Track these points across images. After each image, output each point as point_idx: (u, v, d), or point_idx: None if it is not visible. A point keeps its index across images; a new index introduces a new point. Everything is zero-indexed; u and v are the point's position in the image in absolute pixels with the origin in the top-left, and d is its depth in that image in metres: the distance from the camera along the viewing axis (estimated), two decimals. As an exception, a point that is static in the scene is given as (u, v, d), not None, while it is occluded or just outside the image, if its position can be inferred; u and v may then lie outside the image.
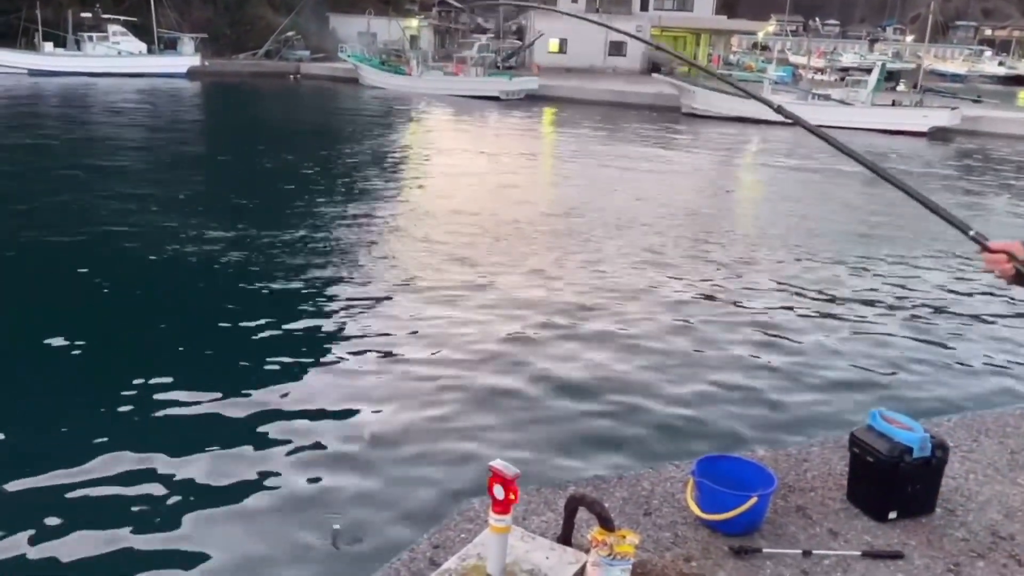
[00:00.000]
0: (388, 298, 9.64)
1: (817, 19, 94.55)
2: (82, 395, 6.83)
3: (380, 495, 5.46)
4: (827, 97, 36.24)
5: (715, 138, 29.68)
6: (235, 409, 6.61)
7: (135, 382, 6.96)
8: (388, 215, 14.31)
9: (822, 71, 56.55)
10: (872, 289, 10.91)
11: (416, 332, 8.52)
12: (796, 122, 3.17)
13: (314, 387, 7.15)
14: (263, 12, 53.50)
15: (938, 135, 32.83)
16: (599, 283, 10.53)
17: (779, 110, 3.47)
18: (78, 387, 7.02)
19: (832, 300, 10.34)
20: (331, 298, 9.59)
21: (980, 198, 19.88)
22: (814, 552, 3.73)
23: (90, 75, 41.00)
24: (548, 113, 36.36)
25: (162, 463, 5.73)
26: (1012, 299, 10.59)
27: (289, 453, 5.98)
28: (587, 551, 3.43)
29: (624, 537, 3.34)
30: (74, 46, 43.95)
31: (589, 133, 29.14)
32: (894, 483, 3.98)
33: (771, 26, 72.71)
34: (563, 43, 55.13)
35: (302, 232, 12.46)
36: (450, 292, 9.85)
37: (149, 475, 5.58)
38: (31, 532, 4.92)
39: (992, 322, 9.75)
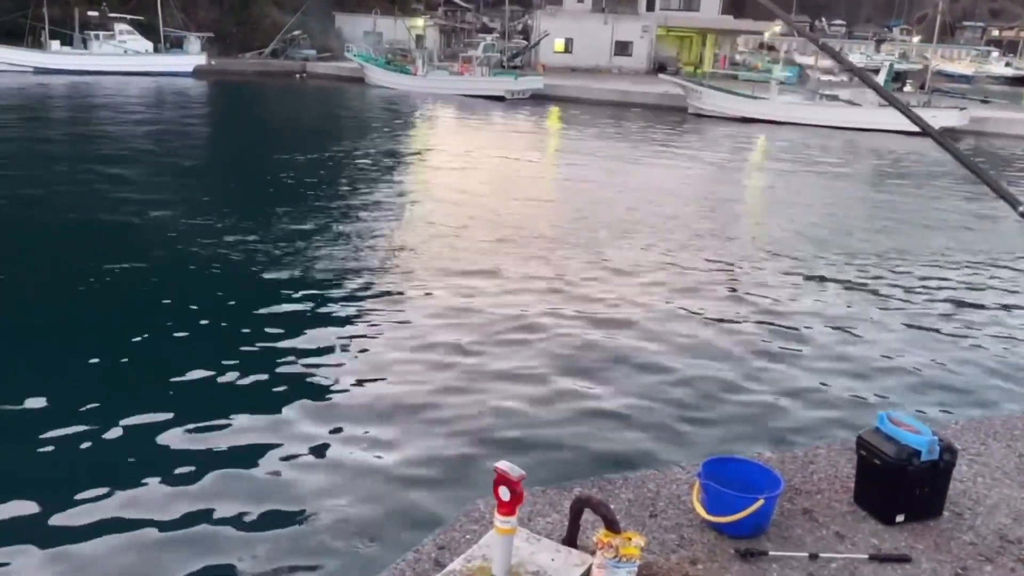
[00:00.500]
0: (393, 299, 9.63)
1: (823, 19, 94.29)
2: (97, 386, 6.83)
3: (385, 495, 5.45)
4: (835, 97, 36.13)
5: (722, 138, 29.62)
6: (238, 408, 6.61)
7: (140, 376, 6.98)
8: (394, 215, 14.30)
9: (831, 71, 56.37)
10: (880, 291, 10.87)
11: (420, 332, 8.50)
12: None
13: (318, 387, 7.14)
14: (269, 11, 53.56)
15: (946, 135, 32.75)
16: (605, 283, 10.50)
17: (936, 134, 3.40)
18: (91, 381, 7.03)
19: (840, 302, 10.30)
20: (336, 299, 9.59)
21: (988, 198, 19.81)
22: (821, 555, 3.72)
23: (96, 73, 41.09)
24: (554, 113, 36.33)
25: (163, 460, 5.73)
26: (1022, 304, 10.56)
27: (291, 454, 5.97)
28: (593, 553, 3.42)
29: (630, 539, 3.34)
30: (80, 44, 44.03)
31: (595, 133, 29.11)
32: (902, 486, 3.97)
33: (777, 26, 72.44)
34: (569, 43, 55.09)
35: (307, 230, 12.45)
36: (455, 292, 9.83)
37: (153, 471, 5.58)
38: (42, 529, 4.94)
39: (1001, 325, 9.70)
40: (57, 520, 5.05)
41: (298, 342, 8.11)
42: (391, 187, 17.21)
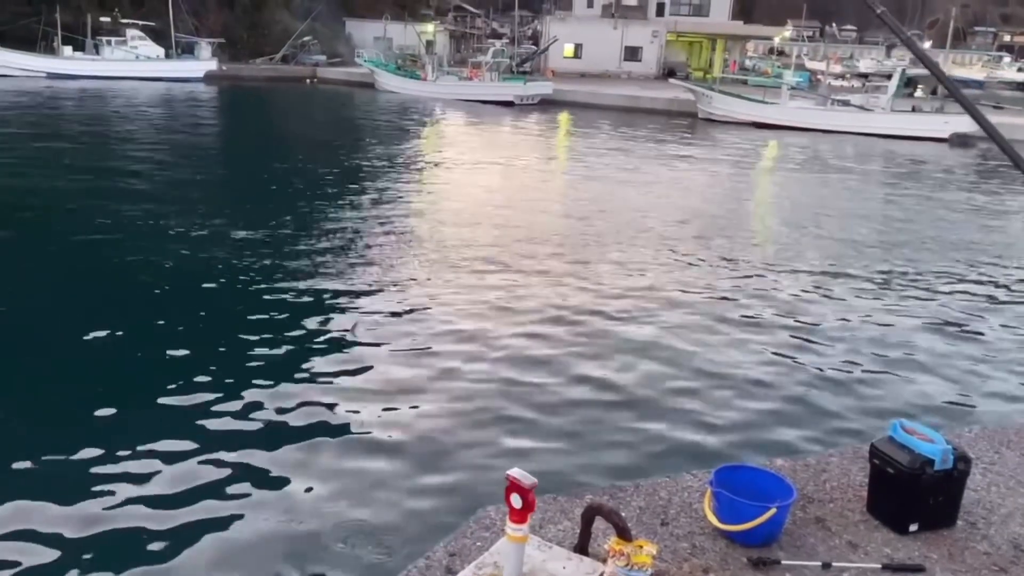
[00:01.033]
0: (406, 304, 9.63)
1: (834, 24, 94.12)
2: (111, 389, 6.86)
3: (396, 502, 5.45)
4: (846, 103, 36.05)
5: (733, 143, 29.57)
6: (250, 412, 6.63)
7: (151, 380, 7.00)
8: (405, 219, 14.32)
9: (843, 76, 56.27)
10: (893, 296, 10.82)
11: (431, 338, 8.51)
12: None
13: (329, 392, 7.15)
14: (280, 17, 53.83)
15: (958, 140, 32.66)
16: (616, 289, 10.49)
17: None
18: (107, 382, 7.06)
19: (853, 307, 10.25)
20: (345, 304, 9.60)
21: (1002, 202, 19.72)
22: (834, 564, 3.70)
23: (108, 79, 41.35)
24: (563, 118, 36.35)
25: (168, 466, 5.75)
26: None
27: (300, 458, 5.98)
28: (604, 561, 3.41)
29: (641, 547, 3.33)
30: (92, 50, 44.33)
31: (605, 138, 29.10)
32: (915, 495, 3.95)
33: (787, 31, 72.43)
34: (578, 48, 55.18)
35: (318, 234, 12.49)
36: (468, 298, 9.84)
37: (159, 476, 5.60)
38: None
39: (1017, 332, 9.64)
40: (81, 527, 5.07)
41: (306, 348, 8.13)
42: (401, 191, 17.24)
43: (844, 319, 9.77)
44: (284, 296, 9.67)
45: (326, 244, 12.09)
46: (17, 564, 4.66)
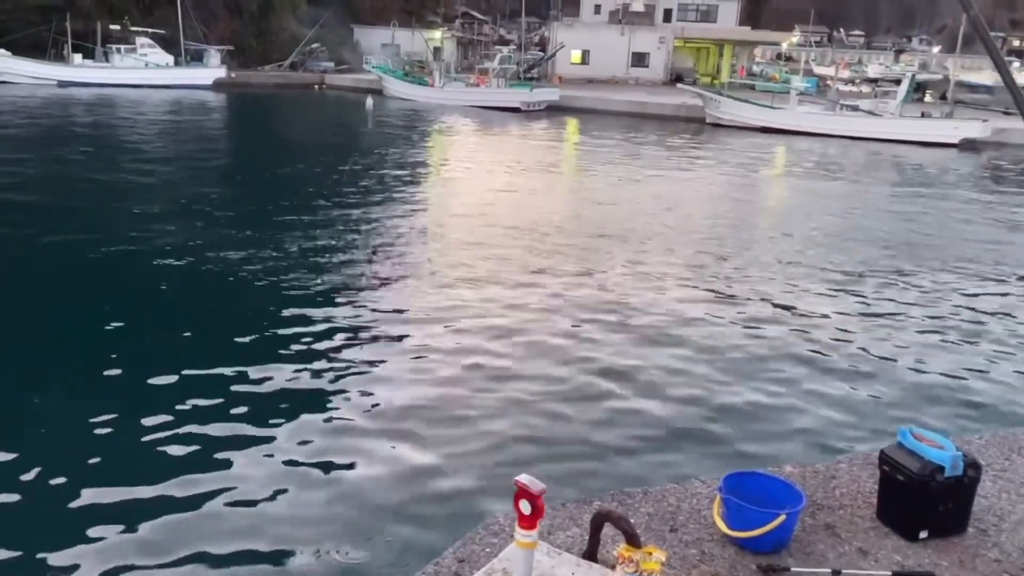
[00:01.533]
0: (414, 309, 9.66)
1: (841, 30, 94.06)
2: (118, 394, 6.90)
3: (405, 507, 5.46)
4: (855, 108, 35.99)
5: (742, 148, 29.53)
6: (260, 415, 6.65)
7: (161, 389, 7.04)
8: (411, 225, 14.33)
9: (853, 82, 56.17)
10: (903, 303, 10.78)
11: (436, 344, 8.52)
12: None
13: (336, 399, 7.17)
14: (288, 24, 54.03)
15: (967, 146, 32.59)
16: (625, 296, 10.48)
17: None
18: (112, 388, 7.10)
19: (862, 313, 10.23)
20: (355, 310, 9.62)
21: (1013, 207, 19.64)
22: (844, 571, 3.68)
23: (118, 86, 41.63)
24: (571, 124, 36.38)
25: (187, 470, 5.78)
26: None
27: (309, 466, 5.99)
28: (613, 567, 3.40)
29: (651, 554, 3.32)
30: (103, 58, 44.64)
31: (612, 144, 29.10)
32: (925, 502, 3.93)
33: (795, 37, 72.38)
34: (585, 54, 55.27)
35: (324, 241, 12.52)
36: (476, 304, 9.85)
37: (178, 482, 5.62)
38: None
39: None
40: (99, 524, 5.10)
41: (313, 353, 8.15)
42: (409, 197, 17.27)
43: (852, 325, 9.73)
44: (294, 303, 9.69)
45: (334, 248, 12.11)
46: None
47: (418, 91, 44.12)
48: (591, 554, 3.59)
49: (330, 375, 7.63)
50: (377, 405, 7.03)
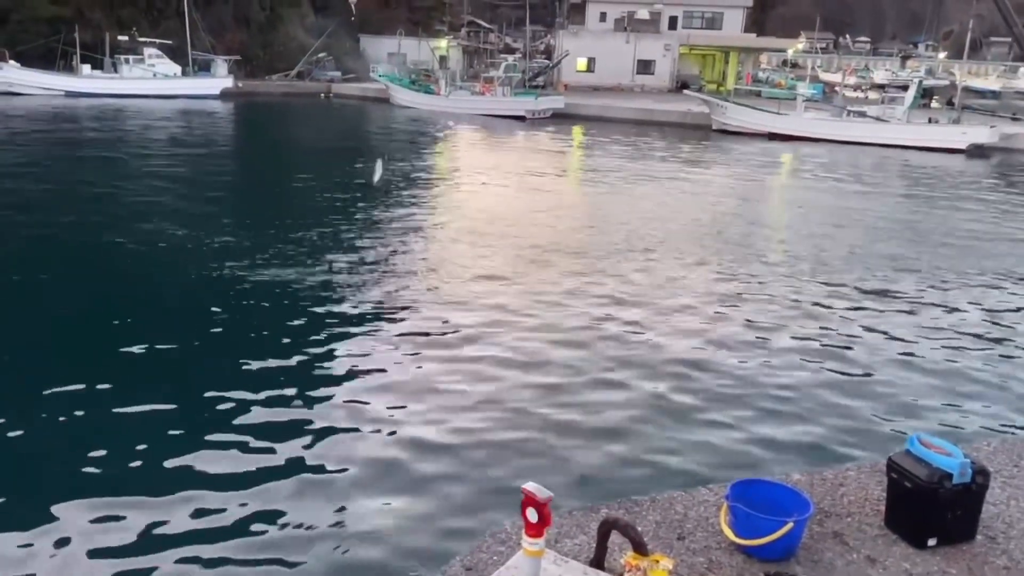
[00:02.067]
0: (422, 316, 9.67)
1: (847, 36, 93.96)
2: (132, 398, 6.93)
3: (412, 514, 5.46)
4: (862, 114, 35.94)
5: (748, 154, 29.51)
6: (263, 420, 6.67)
7: (175, 398, 7.07)
8: (418, 232, 14.35)
9: (860, 87, 56.12)
10: (910, 310, 10.75)
11: (442, 352, 8.53)
12: None
13: (343, 408, 7.18)
14: (295, 34, 54.28)
15: (975, 152, 32.53)
16: (631, 303, 10.48)
17: None
18: (122, 392, 7.13)
19: (870, 320, 10.20)
20: (363, 319, 9.64)
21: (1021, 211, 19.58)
22: (852, 579, 3.67)
23: (126, 97, 41.88)
24: (576, 131, 36.42)
25: (195, 478, 5.79)
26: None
27: (317, 475, 6.00)
28: (620, 575, 3.40)
29: (658, 562, 3.32)
30: (111, 68, 44.89)
31: (618, 151, 29.10)
32: (933, 509, 3.92)
33: (800, 43, 72.37)
34: (591, 62, 55.34)
35: (332, 249, 12.55)
36: (483, 311, 9.86)
37: (187, 487, 5.64)
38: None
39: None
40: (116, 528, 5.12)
41: (320, 359, 8.17)
42: (415, 205, 17.30)
43: (860, 331, 9.71)
44: (303, 310, 9.72)
45: (341, 255, 12.13)
46: None
47: (424, 99, 44.26)
48: (598, 562, 3.59)
49: (335, 382, 7.65)
50: (383, 412, 7.04)
